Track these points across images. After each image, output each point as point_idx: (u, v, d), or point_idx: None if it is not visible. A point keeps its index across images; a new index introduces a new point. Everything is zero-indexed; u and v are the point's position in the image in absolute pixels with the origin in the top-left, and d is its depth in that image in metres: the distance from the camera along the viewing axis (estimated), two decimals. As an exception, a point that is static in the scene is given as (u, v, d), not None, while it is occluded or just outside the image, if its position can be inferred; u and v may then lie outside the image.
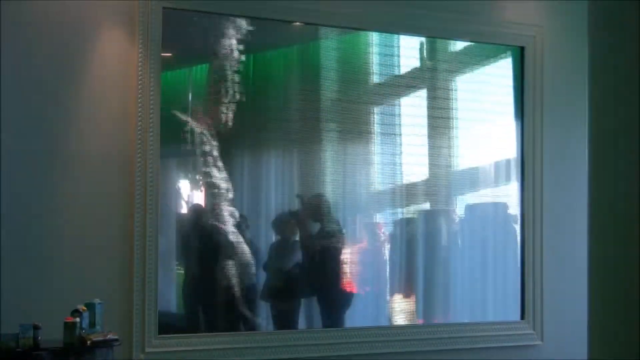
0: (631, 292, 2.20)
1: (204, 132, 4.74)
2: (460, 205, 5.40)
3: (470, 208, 5.42)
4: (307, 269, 4.98)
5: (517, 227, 5.41)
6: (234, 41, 4.80)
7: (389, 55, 5.21)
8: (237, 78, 4.81)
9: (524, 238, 5.37)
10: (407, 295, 5.20)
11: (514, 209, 5.43)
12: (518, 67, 5.45)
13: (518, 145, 5.43)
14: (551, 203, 5.40)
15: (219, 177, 4.77)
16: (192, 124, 4.72)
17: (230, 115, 4.79)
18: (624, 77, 2.27)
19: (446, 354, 5.09)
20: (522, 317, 5.36)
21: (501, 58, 5.51)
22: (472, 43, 5.39)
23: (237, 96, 4.79)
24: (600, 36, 2.41)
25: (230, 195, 4.79)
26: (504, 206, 5.48)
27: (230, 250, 4.81)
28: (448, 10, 5.18)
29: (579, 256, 3.23)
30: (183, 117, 4.71)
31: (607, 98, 2.36)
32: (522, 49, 5.42)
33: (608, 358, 2.28)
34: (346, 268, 5.05)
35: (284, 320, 4.91)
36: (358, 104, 5.09)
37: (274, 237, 4.96)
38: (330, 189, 5.02)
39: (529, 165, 5.39)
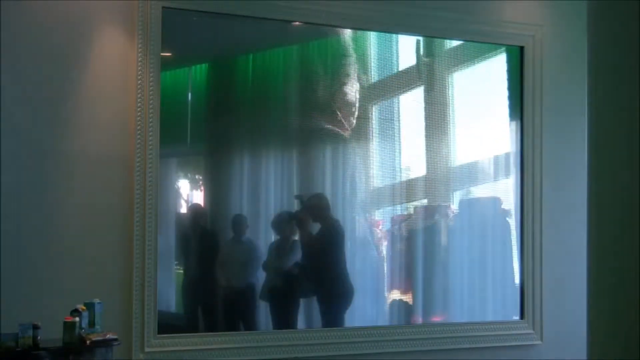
0: (631, 292, 2.20)
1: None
2: (458, 202, 5.40)
3: (468, 205, 5.42)
4: (307, 268, 4.98)
5: (516, 226, 5.41)
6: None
7: (387, 53, 5.21)
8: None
9: (523, 237, 5.36)
10: (405, 292, 5.20)
11: (512, 208, 5.43)
12: (515, 63, 5.45)
13: (517, 145, 5.42)
14: (551, 202, 5.40)
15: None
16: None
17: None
18: (624, 77, 2.27)
19: (445, 353, 5.09)
20: (522, 316, 5.36)
21: (498, 55, 5.51)
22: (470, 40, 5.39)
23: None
24: (600, 36, 2.41)
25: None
26: (503, 203, 5.48)
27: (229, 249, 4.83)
28: (448, 9, 5.18)
29: (579, 255, 3.23)
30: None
31: (607, 98, 2.36)
32: (521, 48, 5.42)
33: (608, 358, 2.28)
34: (345, 266, 5.05)
35: (284, 319, 4.91)
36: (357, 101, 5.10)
37: (273, 237, 4.96)
38: (329, 186, 5.02)
39: (529, 165, 5.38)
